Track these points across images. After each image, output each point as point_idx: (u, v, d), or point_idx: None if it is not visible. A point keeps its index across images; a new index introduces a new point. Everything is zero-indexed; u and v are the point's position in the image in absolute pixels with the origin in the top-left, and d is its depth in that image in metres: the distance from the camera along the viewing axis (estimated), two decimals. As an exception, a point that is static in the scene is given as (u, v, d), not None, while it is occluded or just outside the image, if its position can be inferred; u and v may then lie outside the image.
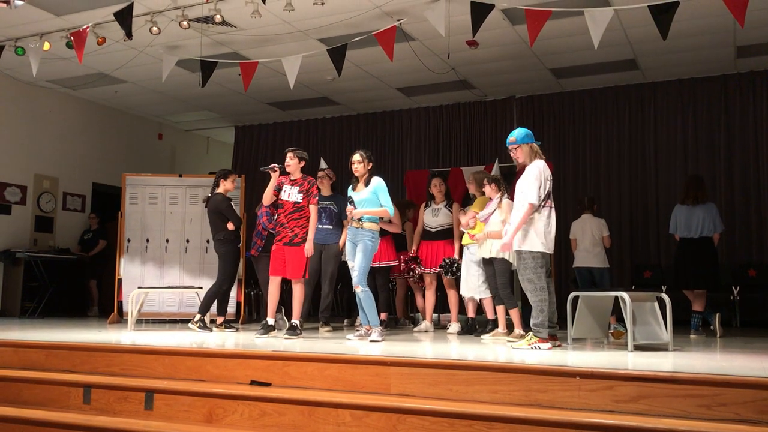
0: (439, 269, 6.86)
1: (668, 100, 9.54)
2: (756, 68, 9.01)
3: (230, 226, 6.89)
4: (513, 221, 5.15)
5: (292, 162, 6.21)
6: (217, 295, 6.89)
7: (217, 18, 7.07)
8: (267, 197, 6.29)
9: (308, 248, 6.05)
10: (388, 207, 5.88)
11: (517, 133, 5.27)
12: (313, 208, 6.16)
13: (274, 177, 6.24)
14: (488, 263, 6.21)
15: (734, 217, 8.93)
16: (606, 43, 7.13)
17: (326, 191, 7.22)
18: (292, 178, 6.24)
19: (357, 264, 5.79)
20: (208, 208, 7.04)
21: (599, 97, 9.92)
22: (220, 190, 7.05)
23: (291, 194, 6.16)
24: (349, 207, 5.92)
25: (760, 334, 7.10)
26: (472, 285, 6.57)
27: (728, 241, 8.69)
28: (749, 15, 5.99)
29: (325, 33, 7.90)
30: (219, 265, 6.98)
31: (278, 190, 6.24)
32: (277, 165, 6.31)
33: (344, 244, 7.02)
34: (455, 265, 6.71)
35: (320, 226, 7.01)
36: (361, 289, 5.74)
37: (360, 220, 5.85)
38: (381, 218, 6.05)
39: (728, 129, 9.18)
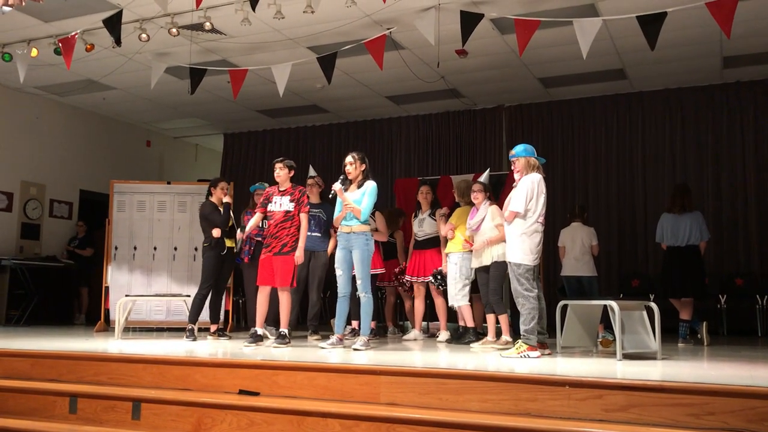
0: (429, 280, 6.85)
1: (656, 109, 9.61)
2: (742, 78, 9.09)
3: (215, 232, 6.87)
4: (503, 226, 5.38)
5: (282, 173, 6.21)
6: (199, 301, 6.86)
7: (207, 25, 7.07)
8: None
9: (299, 255, 6.05)
10: (364, 209, 5.74)
11: (519, 147, 5.38)
12: (303, 216, 6.16)
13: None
14: (484, 270, 6.12)
15: (721, 226, 8.99)
16: (594, 53, 7.17)
17: (315, 199, 7.20)
18: (281, 189, 6.23)
19: (358, 272, 5.73)
20: (199, 215, 7.13)
21: (587, 106, 9.98)
22: (213, 199, 7.06)
23: (282, 204, 6.16)
24: (338, 185, 5.81)
25: (747, 342, 7.15)
26: (451, 293, 6.57)
27: (715, 249, 8.75)
28: (735, 26, 6.05)
29: (315, 41, 7.91)
30: None
31: (267, 201, 6.25)
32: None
33: (332, 252, 7.03)
34: (442, 276, 6.71)
35: (309, 234, 6.99)
36: (365, 295, 5.72)
37: (350, 223, 5.80)
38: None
39: (715, 139, 9.26)
